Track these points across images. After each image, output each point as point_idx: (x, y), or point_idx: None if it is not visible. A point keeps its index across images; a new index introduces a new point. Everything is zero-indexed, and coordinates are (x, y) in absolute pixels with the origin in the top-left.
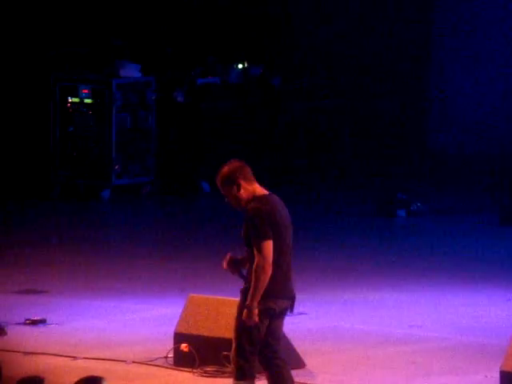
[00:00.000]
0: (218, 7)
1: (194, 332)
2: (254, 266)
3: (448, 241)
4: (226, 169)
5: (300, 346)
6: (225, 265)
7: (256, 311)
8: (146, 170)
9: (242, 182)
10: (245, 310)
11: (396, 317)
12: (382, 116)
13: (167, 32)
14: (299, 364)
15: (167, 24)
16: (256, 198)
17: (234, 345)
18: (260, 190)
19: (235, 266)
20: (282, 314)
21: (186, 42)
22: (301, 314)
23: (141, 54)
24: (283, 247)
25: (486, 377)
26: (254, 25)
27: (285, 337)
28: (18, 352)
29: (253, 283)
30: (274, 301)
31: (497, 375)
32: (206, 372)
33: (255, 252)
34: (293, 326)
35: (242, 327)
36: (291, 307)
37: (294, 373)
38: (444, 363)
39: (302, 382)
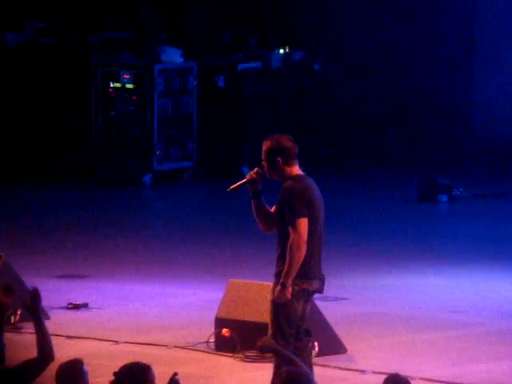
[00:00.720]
0: None
1: (235, 317)
2: (289, 243)
3: (490, 226)
4: (274, 140)
5: (342, 332)
6: (253, 173)
7: (290, 288)
8: (188, 156)
9: (283, 160)
10: (278, 286)
11: (438, 302)
12: (426, 101)
13: (210, 17)
14: (341, 349)
15: (209, 9)
16: (293, 177)
17: (271, 329)
18: (297, 170)
19: (258, 178)
20: (312, 295)
21: (227, 26)
22: (343, 299)
23: (182, 39)
24: (317, 228)
25: None
26: (295, 10)
27: (326, 322)
28: (61, 336)
29: (287, 260)
30: (308, 282)
31: None
32: (246, 357)
33: (290, 229)
34: (335, 312)
35: (278, 309)
36: (322, 288)
37: (335, 358)
38: (487, 348)
39: (342, 367)
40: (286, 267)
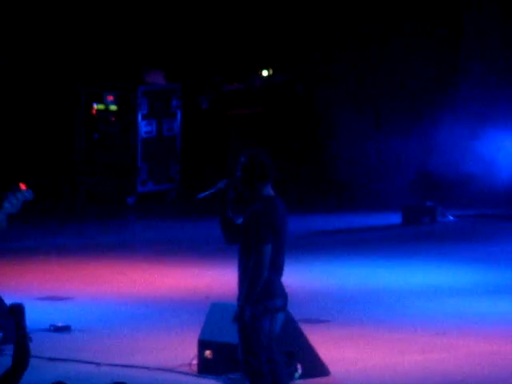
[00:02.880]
0: (242, 14)
1: (218, 339)
2: (250, 267)
3: (473, 247)
4: (251, 157)
5: (325, 354)
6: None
7: (246, 310)
8: (171, 177)
9: (257, 178)
10: (238, 310)
11: (423, 324)
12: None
13: (193, 39)
14: (324, 371)
15: (192, 31)
16: (262, 199)
17: (243, 352)
18: (269, 190)
19: (227, 189)
20: (277, 313)
21: (211, 48)
22: (326, 321)
23: (165, 61)
24: (280, 249)
25: None
26: (278, 32)
27: (309, 344)
28: (43, 358)
29: (248, 284)
30: (272, 301)
31: None
32: (229, 379)
33: (253, 254)
34: (318, 334)
35: (247, 331)
36: (285, 305)
37: (318, 380)
38: (472, 371)
39: None
40: (245, 290)
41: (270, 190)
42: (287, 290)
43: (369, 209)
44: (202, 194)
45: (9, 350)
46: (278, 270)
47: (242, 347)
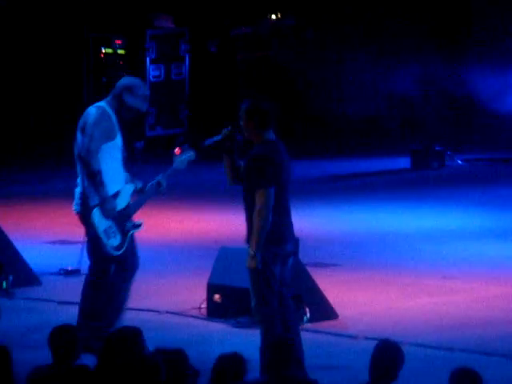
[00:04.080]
0: None
1: (227, 283)
2: (255, 212)
3: (482, 191)
4: (252, 103)
5: (333, 298)
6: (228, 130)
7: (257, 256)
8: (180, 122)
9: (258, 123)
10: (249, 256)
11: (430, 268)
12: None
13: None
14: (332, 315)
15: None
16: (263, 143)
17: (254, 297)
18: (270, 135)
19: (233, 136)
20: (288, 258)
21: None
22: (335, 265)
23: (174, 5)
24: (284, 192)
25: None
26: None
27: (318, 288)
28: (53, 301)
29: (254, 229)
30: (281, 246)
31: None
32: (238, 322)
33: (256, 197)
34: (326, 278)
35: (257, 276)
36: (296, 250)
37: (326, 324)
38: (477, 314)
39: (334, 333)
40: (253, 236)
41: (271, 135)
42: (296, 234)
43: (377, 152)
44: (208, 142)
45: (19, 293)
46: (285, 213)
47: (253, 293)
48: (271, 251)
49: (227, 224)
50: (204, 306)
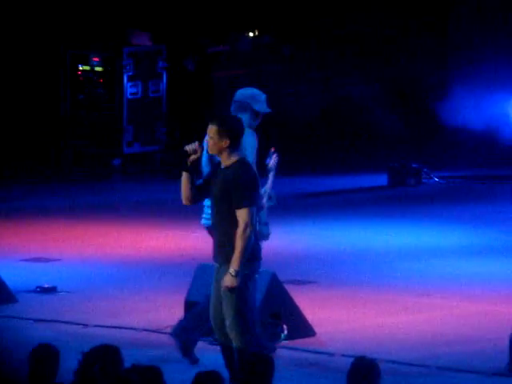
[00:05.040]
0: None
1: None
2: (240, 232)
3: (459, 208)
4: (226, 121)
5: (310, 315)
6: (195, 147)
7: (239, 275)
8: (157, 139)
9: (231, 142)
10: (228, 276)
11: (406, 285)
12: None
13: (178, 0)
14: (310, 332)
15: None
16: (243, 162)
17: (231, 315)
18: (240, 153)
19: (199, 153)
20: (256, 274)
21: (197, 9)
22: (312, 282)
23: (151, 22)
24: (257, 210)
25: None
26: None
27: (295, 305)
28: (29, 319)
29: (239, 249)
30: (258, 263)
31: (506, 343)
32: (215, 340)
33: (239, 216)
34: (304, 295)
35: (236, 295)
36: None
37: (304, 341)
38: (456, 332)
39: (311, 350)
40: (237, 255)
41: (240, 153)
42: (273, 251)
43: (354, 170)
44: (165, 158)
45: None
46: (256, 232)
47: (230, 312)
48: (249, 269)
49: (204, 241)
50: None
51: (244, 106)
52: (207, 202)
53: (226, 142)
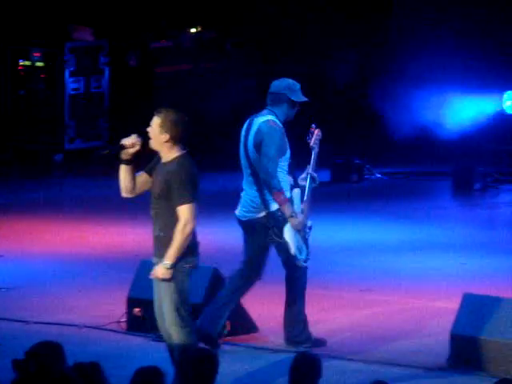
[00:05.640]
0: None
1: (147, 297)
2: (179, 227)
3: (399, 204)
4: (168, 115)
5: (253, 311)
6: (133, 141)
7: (172, 268)
8: (99, 135)
9: (170, 136)
10: (161, 267)
11: (348, 281)
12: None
13: None
14: (252, 328)
15: None
16: (185, 158)
17: (169, 310)
18: (181, 148)
19: (136, 146)
20: (194, 269)
21: (139, 5)
22: None
23: (93, 17)
24: (197, 206)
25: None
26: None
27: (238, 301)
28: None
29: (177, 244)
30: (196, 258)
31: (447, 338)
32: (158, 337)
33: (180, 211)
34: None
35: (172, 289)
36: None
37: (247, 337)
38: (397, 327)
39: (254, 346)
40: (173, 249)
41: (182, 147)
42: (216, 246)
43: (297, 166)
44: (104, 150)
45: None
46: (195, 228)
47: (168, 305)
48: (188, 264)
49: (147, 237)
50: (124, 319)
51: (280, 97)
52: (244, 194)
53: (165, 136)
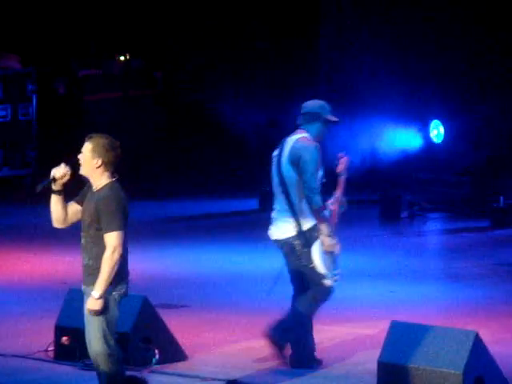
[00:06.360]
0: None
1: (75, 325)
2: (107, 256)
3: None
4: (101, 142)
5: (182, 339)
6: (63, 172)
7: (103, 298)
8: (27, 163)
9: (105, 163)
10: (92, 299)
11: (279, 308)
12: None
13: (48, 23)
14: (181, 356)
15: (47, 14)
16: (114, 185)
17: (97, 337)
18: (112, 175)
19: (66, 176)
20: (123, 297)
21: (67, 32)
22: (184, 306)
23: (20, 45)
24: (126, 233)
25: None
26: (135, 17)
27: (167, 329)
28: None
29: (105, 273)
30: (125, 286)
31: (374, 366)
32: (86, 365)
33: (107, 240)
34: (176, 319)
35: (101, 320)
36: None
37: (175, 365)
38: (324, 354)
39: (183, 374)
40: (102, 279)
41: (112, 174)
42: (145, 275)
43: (227, 194)
44: (40, 185)
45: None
46: (126, 255)
47: (94, 335)
48: (117, 293)
49: (75, 265)
50: (51, 348)
51: (315, 115)
52: (275, 214)
53: (97, 162)
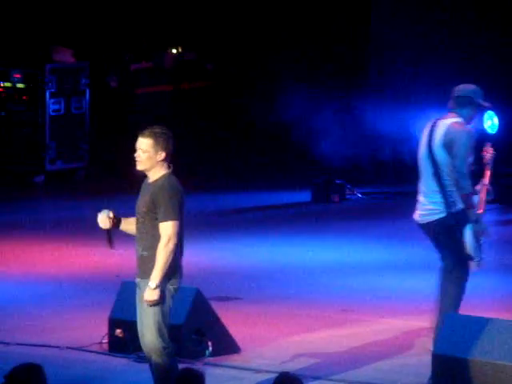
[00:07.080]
0: None
1: (128, 318)
2: (162, 246)
3: (379, 224)
4: (160, 135)
5: (235, 331)
6: (108, 222)
7: (159, 289)
8: (80, 156)
9: (166, 153)
10: (148, 290)
11: (330, 300)
12: None
13: (101, 16)
14: (234, 349)
15: (100, 8)
16: (171, 176)
17: (152, 329)
18: (166, 167)
19: (113, 226)
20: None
21: (120, 26)
22: (237, 298)
23: (74, 39)
24: (183, 225)
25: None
26: (188, 10)
27: (220, 321)
28: None
29: (161, 263)
30: (179, 280)
31: (429, 358)
32: (139, 357)
33: (162, 230)
34: (228, 311)
35: (156, 311)
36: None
37: (228, 357)
38: (373, 347)
39: (236, 366)
40: (158, 269)
41: (168, 166)
42: (198, 268)
43: (279, 187)
44: (110, 244)
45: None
46: (182, 248)
47: (150, 326)
48: (172, 286)
49: (127, 258)
50: (105, 340)
51: (468, 99)
52: (422, 197)
53: (161, 155)
